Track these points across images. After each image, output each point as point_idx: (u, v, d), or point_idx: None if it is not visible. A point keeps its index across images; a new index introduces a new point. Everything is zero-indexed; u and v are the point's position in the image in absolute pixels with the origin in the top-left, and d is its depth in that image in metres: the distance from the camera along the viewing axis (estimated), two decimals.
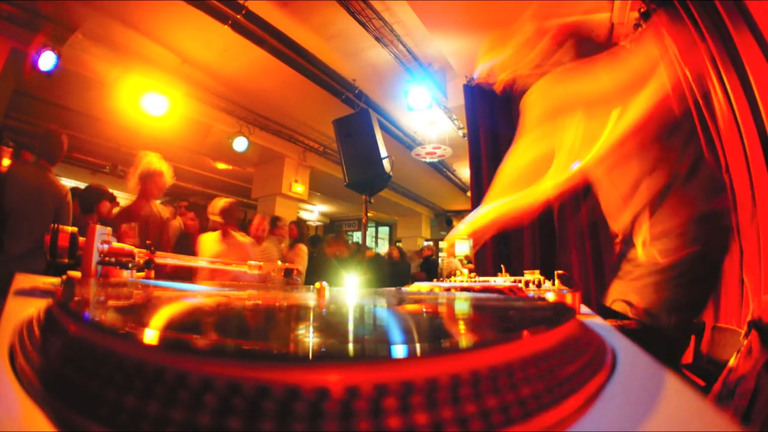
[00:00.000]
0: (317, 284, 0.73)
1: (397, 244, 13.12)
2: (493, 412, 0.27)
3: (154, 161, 3.20)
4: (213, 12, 4.32)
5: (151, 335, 0.30)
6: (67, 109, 6.29)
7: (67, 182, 8.89)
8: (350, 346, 0.35)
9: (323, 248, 5.87)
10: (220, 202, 3.77)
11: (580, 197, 3.84)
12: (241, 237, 3.83)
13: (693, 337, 1.75)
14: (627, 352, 0.49)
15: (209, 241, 3.68)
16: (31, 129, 6.23)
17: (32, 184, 2.89)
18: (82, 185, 9.39)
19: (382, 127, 4.84)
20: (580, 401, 0.33)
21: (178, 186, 9.99)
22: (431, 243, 10.86)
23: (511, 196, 1.52)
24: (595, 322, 0.70)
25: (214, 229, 3.75)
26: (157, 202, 3.33)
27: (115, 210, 3.43)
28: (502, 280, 1.18)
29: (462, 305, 0.70)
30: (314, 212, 13.82)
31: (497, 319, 0.56)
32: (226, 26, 4.44)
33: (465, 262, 1.67)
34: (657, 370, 0.43)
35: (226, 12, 4.35)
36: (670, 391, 0.38)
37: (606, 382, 0.38)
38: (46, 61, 4.74)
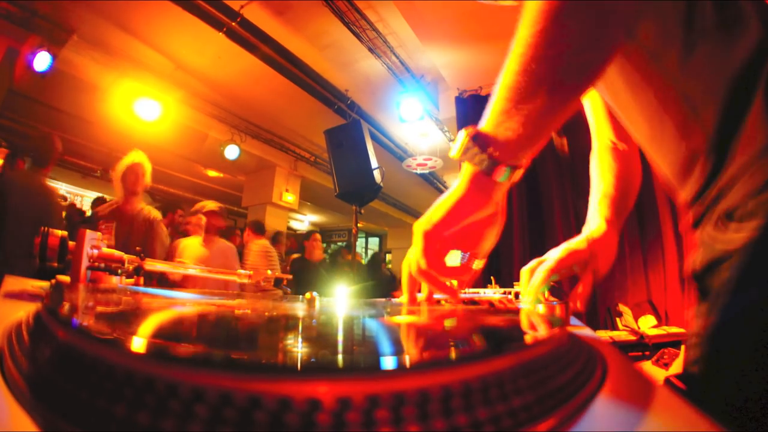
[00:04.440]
0: (308, 294, 0.73)
1: (387, 255, 13.12)
2: (484, 422, 0.27)
3: (127, 157, 3.19)
4: (208, 19, 4.33)
5: (139, 343, 0.30)
6: (59, 111, 6.26)
7: (58, 185, 8.86)
8: (342, 358, 0.35)
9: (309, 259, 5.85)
10: (210, 204, 3.76)
11: (570, 206, 3.88)
12: (223, 242, 3.82)
13: (684, 347, 1.73)
14: (616, 364, 0.49)
15: (191, 246, 3.64)
16: (23, 129, 6.17)
17: (26, 189, 2.89)
18: (73, 188, 9.30)
19: (374, 138, 4.86)
20: (570, 411, 0.33)
21: (168, 192, 9.95)
22: None
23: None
24: (585, 333, 0.70)
25: (193, 233, 3.75)
26: (149, 208, 3.32)
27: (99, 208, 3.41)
28: (492, 292, 1.18)
29: (450, 317, 0.70)
30: (304, 222, 13.79)
31: (487, 330, 0.56)
32: (220, 33, 4.46)
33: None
34: (646, 381, 0.44)
35: (222, 19, 4.36)
36: (660, 402, 0.38)
37: (596, 393, 0.39)
38: (41, 61, 4.72)
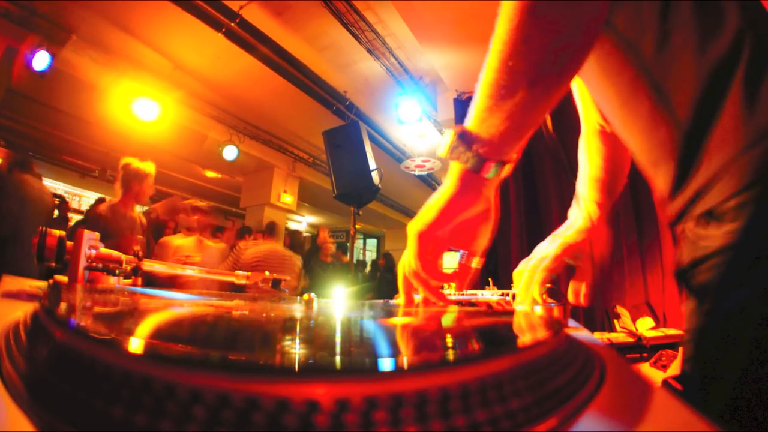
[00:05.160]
0: (306, 296, 0.73)
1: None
2: (482, 424, 0.27)
3: (144, 164, 3.24)
4: (207, 19, 4.33)
5: (136, 344, 0.30)
6: (58, 110, 6.26)
7: (57, 185, 8.85)
8: (340, 359, 0.35)
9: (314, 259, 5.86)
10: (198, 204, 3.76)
11: (568, 206, 3.87)
12: (213, 243, 3.81)
13: (681, 349, 1.72)
14: (614, 365, 0.49)
15: (185, 248, 3.64)
16: (21, 129, 6.16)
17: (32, 192, 2.96)
18: (71, 188, 9.31)
19: (372, 140, 4.86)
20: (568, 413, 0.33)
21: (166, 193, 9.93)
22: None
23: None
24: (583, 335, 0.70)
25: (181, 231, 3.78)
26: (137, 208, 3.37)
27: (103, 207, 3.40)
28: (490, 294, 1.18)
29: (449, 318, 0.70)
30: (302, 223, 13.78)
31: (485, 332, 0.56)
32: (219, 34, 4.45)
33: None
34: (644, 383, 0.44)
35: (221, 19, 4.36)
36: (658, 403, 0.38)
37: (594, 395, 0.39)
38: (40, 60, 4.71)
